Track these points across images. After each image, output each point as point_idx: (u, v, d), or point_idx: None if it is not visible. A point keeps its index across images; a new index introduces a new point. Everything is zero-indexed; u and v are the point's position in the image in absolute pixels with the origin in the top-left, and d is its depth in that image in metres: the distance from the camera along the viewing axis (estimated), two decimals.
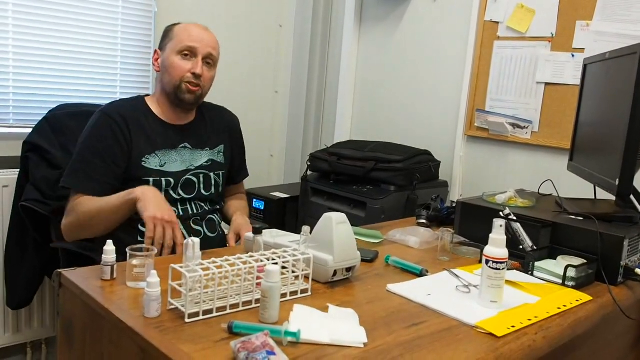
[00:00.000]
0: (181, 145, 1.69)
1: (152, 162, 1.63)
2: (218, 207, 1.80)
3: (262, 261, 1.09)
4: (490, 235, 1.11)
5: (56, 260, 1.84)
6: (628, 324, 1.49)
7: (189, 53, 1.64)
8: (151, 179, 1.62)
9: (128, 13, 2.35)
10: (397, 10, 2.56)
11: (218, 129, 1.81)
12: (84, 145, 1.61)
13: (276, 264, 1.06)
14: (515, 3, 2.13)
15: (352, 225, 1.66)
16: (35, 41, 2.14)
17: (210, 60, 1.68)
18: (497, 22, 2.19)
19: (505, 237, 1.10)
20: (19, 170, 1.96)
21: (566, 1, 2.00)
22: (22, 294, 2.05)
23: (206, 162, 1.74)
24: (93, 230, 1.58)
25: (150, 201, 1.48)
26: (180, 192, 1.68)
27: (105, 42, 2.32)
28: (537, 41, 2.08)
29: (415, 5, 2.50)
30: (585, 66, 1.70)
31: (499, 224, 1.10)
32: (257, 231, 1.21)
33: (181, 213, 1.66)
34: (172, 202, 1.63)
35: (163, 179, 1.64)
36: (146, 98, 1.74)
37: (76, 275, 1.15)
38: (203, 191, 1.72)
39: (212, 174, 1.75)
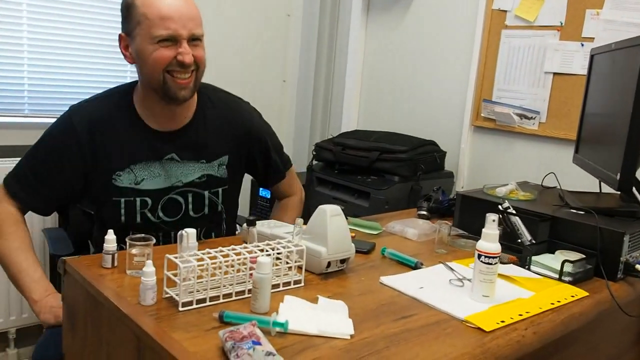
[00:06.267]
0: (167, 157, 1.41)
1: (124, 179, 1.38)
2: (220, 228, 1.55)
3: (255, 252, 1.10)
4: (483, 229, 1.10)
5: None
6: (628, 320, 1.48)
7: (168, 40, 1.29)
8: (122, 199, 1.39)
9: None
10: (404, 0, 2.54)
11: (222, 134, 1.48)
12: (37, 149, 1.42)
13: (269, 255, 1.07)
14: None
15: (355, 215, 1.68)
16: (49, 33, 2.18)
17: (195, 39, 1.33)
18: (505, 11, 2.16)
19: (497, 231, 1.10)
20: None
21: None
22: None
23: (199, 177, 1.45)
24: None
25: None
26: (161, 214, 1.43)
27: (116, 34, 2.32)
28: (545, 30, 2.05)
29: None
30: (592, 56, 1.67)
31: (491, 218, 1.10)
32: (250, 222, 1.22)
33: (161, 243, 1.43)
34: (151, 227, 1.40)
35: (138, 199, 1.39)
36: (134, 92, 1.42)
37: (79, 263, 1.17)
38: (192, 212, 1.46)
39: (205, 193, 1.47)
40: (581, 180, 1.83)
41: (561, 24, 2.01)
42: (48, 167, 1.38)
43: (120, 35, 1.37)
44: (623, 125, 1.30)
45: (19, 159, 2.11)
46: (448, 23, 2.38)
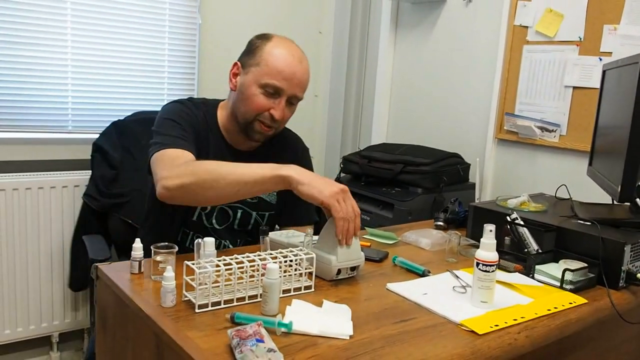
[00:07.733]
0: None
1: None
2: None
3: (267, 260, 1.20)
4: (481, 239, 1.16)
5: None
6: (637, 328, 1.49)
7: (273, 91, 1.44)
8: None
9: (174, 25, 2.53)
10: (430, 16, 2.61)
11: (280, 161, 1.51)
12: (167, 119, 1.48)
13: (280, 262, 1.17)
14: (544, 7, 2.13)
15: (380, 225, 1.74)
16: (92, 54, 2.35)
17: (294, 100, 1.49)
18: (527, 27, 2.20)
19: (494, 241, 1.15)
20: (77, 171, 2.19)
21: (594, 5, 1.99)
22: (82, 278, 2.28)
23: (252, 199, 1.57)
24: (212, 194, 1.33)
25: (313, 181, 1.29)
26: (214, 221, 1.57)
27: (154, 54, 2.50)
28: (565, 45, 2.08)
29: (448, 11, 2.54)
30: (604, 72, 1.70)
31: (488, 228, 1.15)
32: (264, 232, 1.32)
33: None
34: (200, 228, 1.55)
35: None
36: (219, 107, 1.58)
37: (109, 269, 1.29)
38: (236, 226, 1.60)
39: (254, 213, 1.61)
40: (600, 192, 1.84)
41: (580, 39, 2.03)
42: (182, 126, 1.46)
43: (235, 63, 1.52)
44: (624, 139, 1.33)
45: (63, 172, 2.27)
46: (472, 40, 2.43)
